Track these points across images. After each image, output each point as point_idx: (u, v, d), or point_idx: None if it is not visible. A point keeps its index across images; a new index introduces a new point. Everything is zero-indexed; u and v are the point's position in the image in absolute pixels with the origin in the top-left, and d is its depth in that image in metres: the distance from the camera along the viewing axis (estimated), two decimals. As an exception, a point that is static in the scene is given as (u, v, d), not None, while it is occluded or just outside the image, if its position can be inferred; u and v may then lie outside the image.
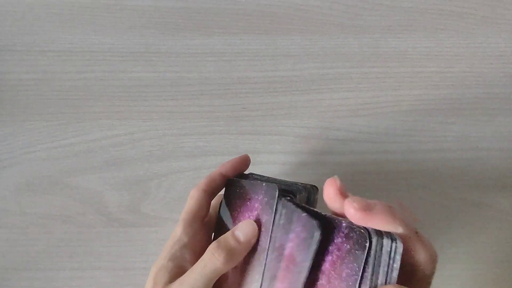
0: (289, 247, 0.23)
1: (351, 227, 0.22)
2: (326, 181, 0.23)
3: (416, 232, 0.23)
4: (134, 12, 0.40)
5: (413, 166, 0.39)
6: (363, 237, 0.21)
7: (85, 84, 0.39)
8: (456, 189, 0.39)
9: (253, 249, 0.26)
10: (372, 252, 0.21)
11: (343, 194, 0.23)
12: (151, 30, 0.40)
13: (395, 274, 0.20)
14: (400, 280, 0.22)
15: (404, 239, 0.21)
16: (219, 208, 0.30)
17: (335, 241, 0.22)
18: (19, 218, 0.37)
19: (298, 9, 0.41)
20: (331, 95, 0.40)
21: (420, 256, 0.22)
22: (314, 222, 0.22)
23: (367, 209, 0.21)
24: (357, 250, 0.21)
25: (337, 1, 0.41)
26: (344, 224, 0.22)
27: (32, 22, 0.40)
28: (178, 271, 0.26)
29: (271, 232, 0.25)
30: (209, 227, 0.29)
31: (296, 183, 0.28)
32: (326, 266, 0.22)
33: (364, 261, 0.21)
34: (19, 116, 0.39)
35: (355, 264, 0.21)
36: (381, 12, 0.41)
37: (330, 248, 0.22)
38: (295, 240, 0.23)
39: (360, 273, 0.21)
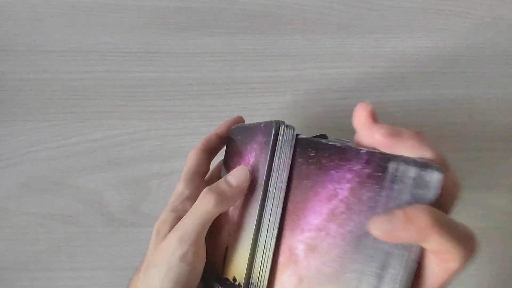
0: (347, 189, 0.22)
1: (372, 152, 0.21)
2: (358, 105, 0.22)
3: (445, 161, 0.21)
4: (135, 12, 0.40)
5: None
6: (384, 159, 0.20)
7: (85, 84, 0.39)
8: (456, 189, 0.39)
9: (252, 187, 0.27)
10: (392, 176, 0.20)
11: (374, 119, 0.22)
12: (151, 30, 0.40)
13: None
14: None
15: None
16: (221, 171, 0.31)
17: (354, 168, 0.22)
18: (19, 218, 0.37)
19: (298, 9, 0.41)
20: (331, 95, 0.40)
21: (448, 182, 0.21)
22: (385, 154, 0.21)
23: (395, 134, 0.21)
24: (377, 173, 0.20)
25: (337, 1, 0.41)
26: (363, 151, 0.21)
27: (32, 22, 0.40)
28: (179, 221, 0.26)
29: (270, 170, 0.25)
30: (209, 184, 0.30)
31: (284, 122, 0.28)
32: (345, 194, 0.22)
33: (384, 181, 0.20)
34: (19, 116, 0.39)
35: (376, 186, 0.20)
36: (381, 12, 0.41)
37: (348, 176, 0.22)
38: (356, 180, 0.22)
39: (383, 194, 0.20)
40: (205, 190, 0.26)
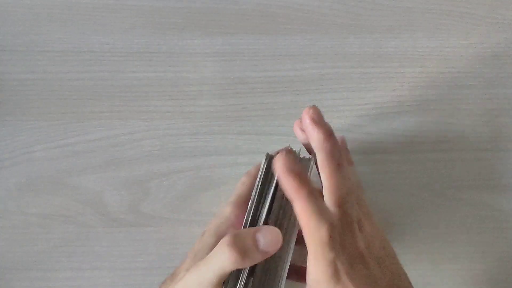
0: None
1: None
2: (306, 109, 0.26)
3: (338, 164, 0.25)
4: (134, 12, 0.40)
5: (413, 166, 0.39)
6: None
7: (85, 84, 0.39)
8: (456, 189, 0.39)
9: None
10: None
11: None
12: (151, 30, 0.40)
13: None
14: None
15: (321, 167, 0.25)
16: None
17: None
18: (19, 218, 0.37)
19: (298, 9, 0.41)
20: (331, 95, 0.40)
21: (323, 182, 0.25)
22: None
23: (316, 122, 0.26)
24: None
25: (337, 1, 0.41)
26: None
27: (32, 22, 0.40)
28: None
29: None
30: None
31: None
32: None
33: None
34: (19, 116, 0.39)
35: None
36: (381, 12, 0.41)
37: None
38: None
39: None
40: (229, 240, 0.23)
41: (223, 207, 0.29)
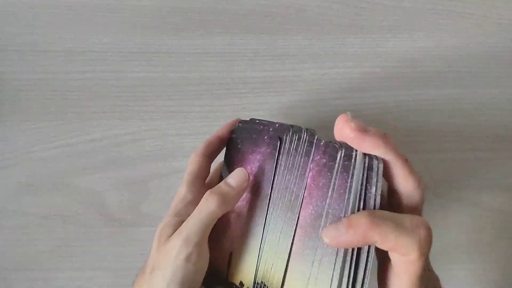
0: (310, 177, 0.25)
1: (327, 142, 0.24)
2: (338, 117, 0.24)
3: (406, 160, 0.23)
4: (134, 12, 0.40)
5: (413, 166, 0.39)
6: (335, 149, 0.24)
7: (85, 84, 0.39)
8: (456, 189, 0.39)
9: (256, 196, 0.28)
10: (351, 166, 0.23)
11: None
12: (151, 30, 0.40)
13: (374, 190, 0.22)
14: (390, 208, 0.23)
15: (393, 165, 0.23)
16: (221, 172, 0.32)
17: (315, 158, 0.25)
18: (19, 218, 0.37)
19: (298, 9, 0.41)
20: (331, 95, 0.40)
21: (408, 182, 0.23)
22: (335, 145, 0.24)
23: (362, 130, 0.22)
24: (330, 162, 0.24)
25: (337, 1, 0.41)
26: (322, 142, 0.25)
27: (32, 22, 0.40)
28: (182, 225, 0.26)
29: (274, 179, 0.27)
30: (210, 188, 0.30)
31: (293, 126, 0.28)
32: (308, 181, 0.25)
33: (337, 170, 0.23)
34: (19, 116, 0.39)
35: (329, 174, 0.24)
36: (381, 12, 0.41)
37: (311, 165, 0.25)
38: (316, 168, 0.25)
39: (333, 181, 0.23)
40: (207, 192, 0.27)
41: (179, 187, 0.30)
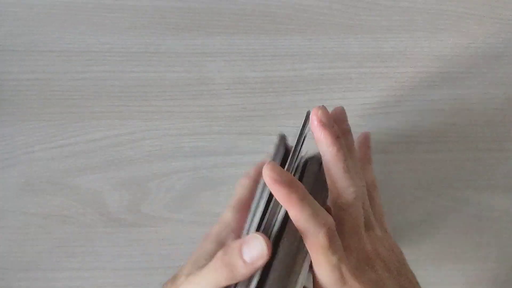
0: None
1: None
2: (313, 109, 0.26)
3: (343, 167, 0.25)
4: (134, 12, 0.40)
5: (413, 166, 0.39)
6: None
7: (85, 84, 0.39)
8: (456, 189, 0.39)
9: None
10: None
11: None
12: (151, 30, 0.40)
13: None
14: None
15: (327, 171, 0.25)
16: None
17: None
18: (19, 218, 0.37)
19: (298, 9, 0.41)
20: (331, 95, 0.40)
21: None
22: None
23: (323, 124, 0.25)
24: None
25: (337, 1, 0.41)
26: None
27: (32, 22, 0.40)
28: None
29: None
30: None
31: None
32: None
33: None
34: (19, 116, 0.39)
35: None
36: (381, 12, 0.41)
37: None
38: None
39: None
40: (221, 256, 0.23)
41: (224, 212, 0.28)
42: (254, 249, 0.22)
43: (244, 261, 0.22)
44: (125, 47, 0.40)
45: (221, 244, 0.25)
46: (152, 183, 0.38)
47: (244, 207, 0.27)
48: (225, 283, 0.23)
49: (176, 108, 0.39)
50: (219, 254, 0.23)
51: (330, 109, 0.40)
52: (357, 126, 0.39)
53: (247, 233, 0.25)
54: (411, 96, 0.40)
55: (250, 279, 0.23)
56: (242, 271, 0.22)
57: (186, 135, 0.39)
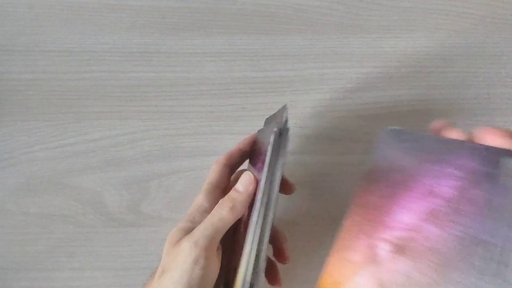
0: (454, 187, 0.19)
1: (487, 146, 0.19)
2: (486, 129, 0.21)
3: None
4: (134, 12, 0.40)
5: None
6: (497, 153, 0.18)
7: (85, 84, 0.39)
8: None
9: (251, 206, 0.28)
10: (506, 172, 0.18)
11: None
12: (151, 30, 0.40)
13: None
14: None
15: None
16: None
17: (465, 165, 0.19)
18: (19, 218, 0.37)
19: (298, 9, 0.41)
20: (331, 95, 0.40)
21: None
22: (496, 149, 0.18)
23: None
24: (491, 169, 0.18)
25: (337, 1, 0.41)
26: (478, 146, 0.19)
27: (32, 22, 0.40)
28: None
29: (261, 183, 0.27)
30: None
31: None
32: (451, 193, 0.19)
33: (498, 178, 0.18)
34: (18, 116, 0.39)
35: (488, 184, 0.18)
36: (381, 12, 0.41)
37: (456, 173, 0.19)
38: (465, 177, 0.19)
39: (496, 193, 0.18)
40: (220, 200, 0.28)
41: (197, 196, 0.31)
42: (243, 179, 0.28)
43: (238, 191, 0.28)
44: (125, 47, 0.40)
45: (193, 222, 0.28)
46: (152, 183, 0.38)
47: (215, 189, 0.30)
48: (229, 218, 0.27)
49: (176, 108, 0.39)
50: (220, 201, 0.28)
51: (330, 109, 0.40)
52: (356, 126, 0.39)
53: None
54: (410, 96, 0.40)
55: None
56: (239, 198, 0.28)
57: (185, 135, 0.39)
